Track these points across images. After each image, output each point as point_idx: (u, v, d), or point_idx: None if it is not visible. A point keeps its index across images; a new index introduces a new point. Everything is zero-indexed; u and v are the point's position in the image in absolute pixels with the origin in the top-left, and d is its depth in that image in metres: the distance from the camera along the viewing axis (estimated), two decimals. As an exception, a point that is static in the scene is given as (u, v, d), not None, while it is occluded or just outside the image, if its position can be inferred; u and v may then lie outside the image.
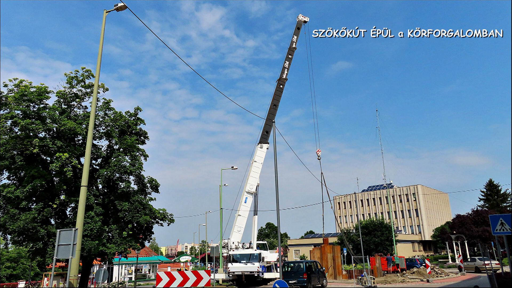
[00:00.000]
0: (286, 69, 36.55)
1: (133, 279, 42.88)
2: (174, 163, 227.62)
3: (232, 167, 37.31)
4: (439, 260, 58.60)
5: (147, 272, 54.36)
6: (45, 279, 18.82)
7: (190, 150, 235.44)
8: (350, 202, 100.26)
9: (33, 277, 53.62)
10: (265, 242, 40.09)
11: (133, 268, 47.23)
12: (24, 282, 39.12)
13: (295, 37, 38.04)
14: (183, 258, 64.35)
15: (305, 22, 38.93)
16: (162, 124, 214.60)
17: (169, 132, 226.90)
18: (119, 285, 34.71)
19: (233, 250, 29.06)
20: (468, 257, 49.85)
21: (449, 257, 57.11)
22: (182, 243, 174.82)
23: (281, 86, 35.76)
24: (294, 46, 37.77)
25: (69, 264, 12.49)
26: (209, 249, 39.77)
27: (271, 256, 30.95)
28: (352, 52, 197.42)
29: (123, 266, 46.38)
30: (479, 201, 72.44)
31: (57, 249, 12.35)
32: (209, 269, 33.33)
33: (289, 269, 25.57)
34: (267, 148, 33.68)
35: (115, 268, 44.19)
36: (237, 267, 27.51)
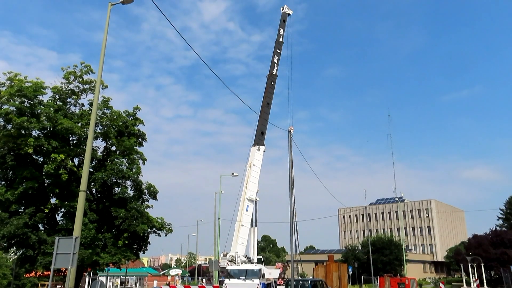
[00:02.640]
0: (276, 65, 37.74)
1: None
2: (163, 165, 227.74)
3: (233, 173, 37.83)
4: (453, 284, 59.18)
5: (133, 285, 54.58)
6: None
7: (183, 151, 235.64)
8: (356, 215, 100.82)
9: (6, 286, 53.70)
10: (260, 257, 40.51)
11: (118, 280, 47.60)
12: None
13: (282, 30, 39.55)
14: (172, 271, 64.76)
15: (289, 14, 40.79)
16: (153, 121, 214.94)
17: (160, 130, 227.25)
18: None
19: (227, 264, 29.49)
20: (485, 282, 50.43)
21: (464, 280, 57.66)
22: (166, 254, 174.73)
23: (272, 83, 36.76)
24: (281, 40, 39.27)
25: (68, 274, 12.99)
26: (206, 262, 40.24)
27: (274, 273, 31.38)
28: (364, 51, 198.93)
29: (108, 277, 46.68)
30: (498, 220, 73.08)
31: (55, 258, 12.85)
32: (203, 284, 33.78)
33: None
34: (264, 151, 34.21)
35: (101, 279, 44.47)
36: (235, 284, 27.91)
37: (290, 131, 36.82)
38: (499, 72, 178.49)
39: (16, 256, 21.98)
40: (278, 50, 38.37)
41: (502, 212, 72.71)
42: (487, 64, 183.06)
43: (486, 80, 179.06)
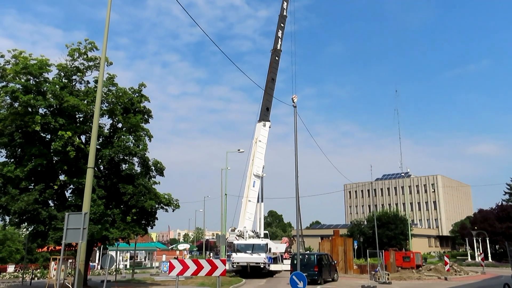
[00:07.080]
0: (280, 39, 37.58)
1: (128, 266, 44.37)
2: (170, 142, 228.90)
3: (239, 150, 38.11)
4: (458, 257, 59.90)
5: (143, 259, 55.92)
6: (53, 263, 20.06)
7: (189, 128, 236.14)
8: (362, 191, 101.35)
9: (19, 260, 55.24)
10: (267, 231, 41.25)
11: (128, 255, 48.68)
12: (14, 265, 40.60)
13: (285, 3, 39.05)
14: (181, 246, 66.16)
15: None
16: (159, 99, 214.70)
17: (167, 108, 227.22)
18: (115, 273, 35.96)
19: (236, 239, 30.06)
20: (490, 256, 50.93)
21: (469, 254, 58.32)
22: (174, 229, 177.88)
23: (276, 58, 36.73)
24: (285, 14, 38.86)
25: (79, 249, 13.37)
26: (213, 237, 41.04)
27: (280, 247, 31.97)
28: (371, 25, 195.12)
29: (118, 252, 47.84)
30: (504, 194, 73.23)
31: (65, 233, 13.17)
32: (211, 258, 34.42)
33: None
34: (270, 127, 34.57)
35: (111, 254, 45.64)
36: (242, 258, 28.50)
37: (293, 99, 37.17)
38: (506, 46, 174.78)
39: (28, 232, 22.54)
40: (282, 24, 38.14)
41: (508, 187, 72.77)
42: (494, 38, 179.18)
43: (493, 54, 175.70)
